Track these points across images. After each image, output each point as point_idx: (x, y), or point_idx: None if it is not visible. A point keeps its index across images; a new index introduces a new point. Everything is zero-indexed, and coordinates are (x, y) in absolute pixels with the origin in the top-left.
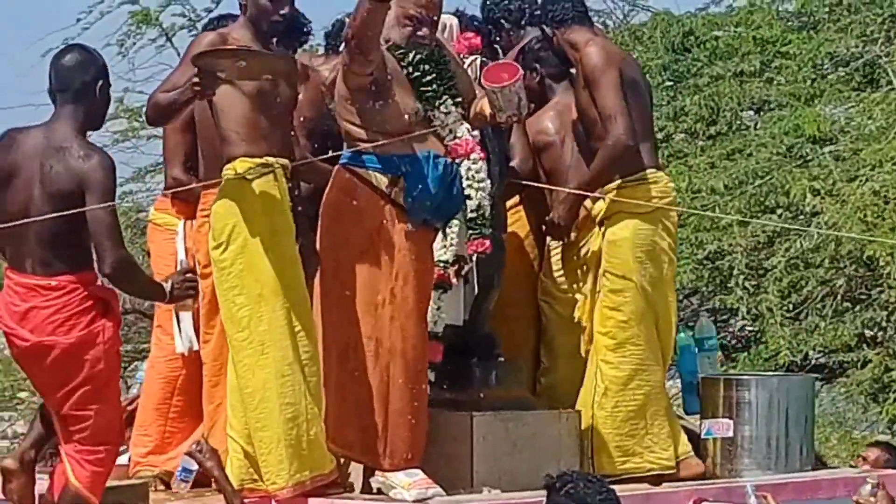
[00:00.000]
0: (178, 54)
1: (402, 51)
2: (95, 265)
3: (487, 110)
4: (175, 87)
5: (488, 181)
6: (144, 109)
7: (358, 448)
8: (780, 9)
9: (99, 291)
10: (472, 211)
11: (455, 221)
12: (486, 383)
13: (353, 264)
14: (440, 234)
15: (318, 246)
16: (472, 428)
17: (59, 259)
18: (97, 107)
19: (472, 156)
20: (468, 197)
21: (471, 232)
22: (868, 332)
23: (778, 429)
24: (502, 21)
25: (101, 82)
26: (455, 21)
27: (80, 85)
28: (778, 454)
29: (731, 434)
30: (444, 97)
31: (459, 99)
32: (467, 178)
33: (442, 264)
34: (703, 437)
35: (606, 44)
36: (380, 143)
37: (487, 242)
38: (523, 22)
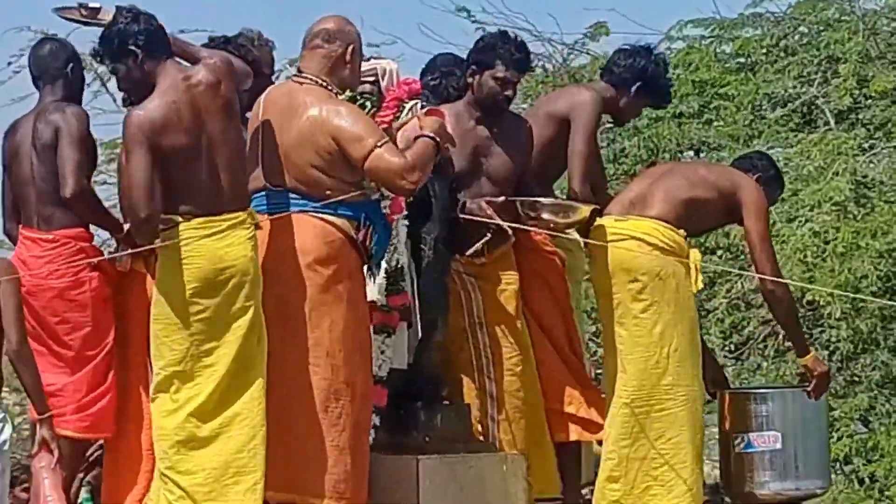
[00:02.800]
0: (114, 100)
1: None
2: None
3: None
4: None
5: (402, 240)
6: None
7: (349, 491)
8: (717, 51)
9: (91, 249)
10: (389, 270)
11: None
12: (432, 427)
13: (330, 311)
14: (375, 280)
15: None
16: (419, 472)
17: (56, 216)
18: (72, 84)
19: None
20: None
21: (389, 287)
22: None
23: (795, 442)
24: None
25: (71, 64)
26: (395, 66)
27: (54, 69)
28: (795, 466)
29: (779, 446)
30: None
31: None
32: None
33: (386, 309)
34: (741, 450)
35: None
36: (355, 193)
37: (407, 296)
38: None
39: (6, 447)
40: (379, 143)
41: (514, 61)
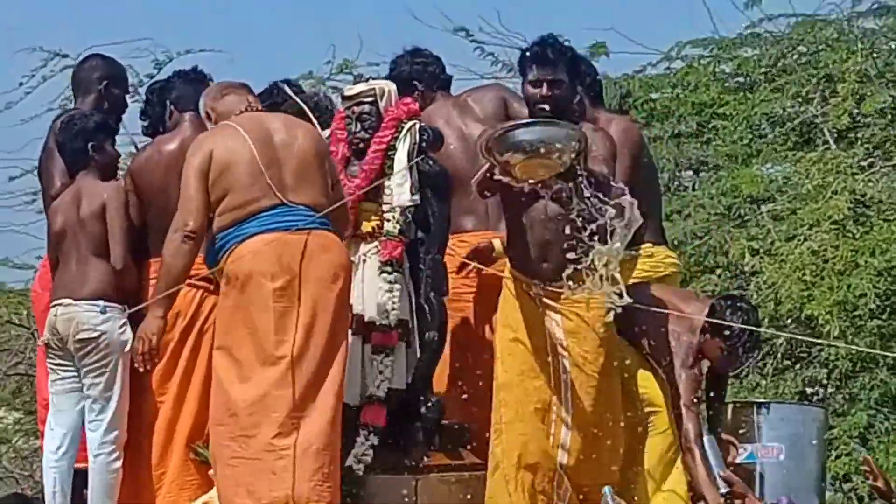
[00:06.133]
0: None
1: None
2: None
3: None
4: None
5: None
6: None
7: None
8: (716, 70)
9: None
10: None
11: (397, 286)
12: (430, 446)
13: (347, 314)
14: (382, 297)
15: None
16: (417, 491)
17: None
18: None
19: None
20: None
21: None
22: (809, 390)
23: (797, 457)
24: (414, 82)
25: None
26: (393, 87)
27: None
28: (792, 480)
29: (783, 458)
30: None
31: None
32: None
33: (384, 328)
34: (743, 461)
35: None
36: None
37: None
38: (435, 87)
39: None
40: None
41: (532, 57)
